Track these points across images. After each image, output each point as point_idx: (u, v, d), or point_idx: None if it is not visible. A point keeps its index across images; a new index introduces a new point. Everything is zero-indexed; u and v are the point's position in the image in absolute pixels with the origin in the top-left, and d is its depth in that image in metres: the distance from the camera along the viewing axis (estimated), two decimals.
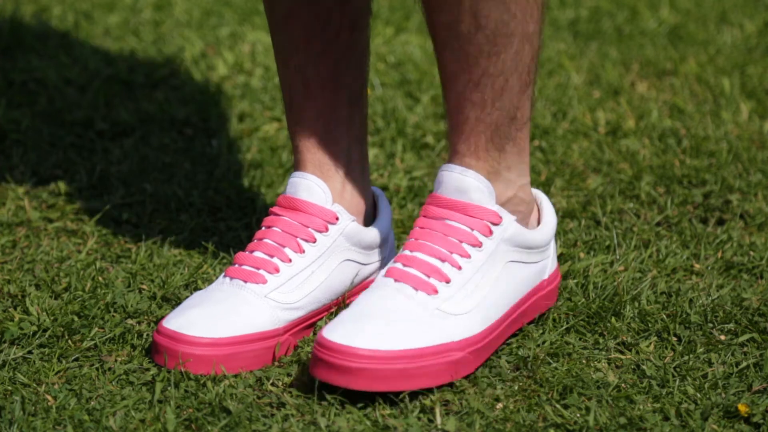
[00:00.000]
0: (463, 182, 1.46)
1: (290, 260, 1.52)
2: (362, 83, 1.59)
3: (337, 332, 1.40)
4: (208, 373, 1.44)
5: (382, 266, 1.61)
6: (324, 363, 1.39)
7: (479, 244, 1.45)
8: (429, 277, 1.44)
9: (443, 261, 1.44)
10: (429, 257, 1.45)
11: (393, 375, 1.38)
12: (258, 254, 1.52)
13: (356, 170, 1.60)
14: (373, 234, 1.58)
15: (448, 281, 1.44)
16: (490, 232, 1.46)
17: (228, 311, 1.48)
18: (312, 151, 1.58)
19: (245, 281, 1.51)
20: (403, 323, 1.40)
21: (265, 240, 1.54)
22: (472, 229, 1.45)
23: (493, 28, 1.40)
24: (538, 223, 1.56)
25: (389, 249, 1.63)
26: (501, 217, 1.46)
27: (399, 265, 1.45)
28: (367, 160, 1.62)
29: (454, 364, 1.41)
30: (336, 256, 1.55)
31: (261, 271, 1.51)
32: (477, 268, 1.45)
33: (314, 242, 1.54)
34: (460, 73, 1.43)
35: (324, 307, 1.56)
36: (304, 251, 1.53)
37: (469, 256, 1.45)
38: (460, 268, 1.44)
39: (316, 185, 1.55)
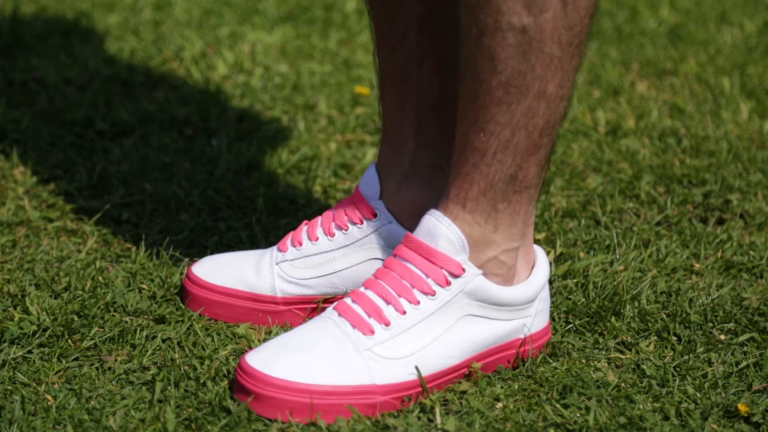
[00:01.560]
0: (436, 228, 1.41)
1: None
2: (438, 93, 1.54)
3: (257, 356, 1.39)
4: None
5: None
6: (239, 385, 1.39)
7: (432, 293, 1.41)
8: (370, 317, 1.41)
9: (388, 303, 1.41)
10: (377, 297, 1.41)
11: (300, 408, 1.37)
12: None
13: (422, 175, 1.56)
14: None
15: (387, 324, 1.40)
16: (447, 283, 1.41)
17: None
18: (385, 138, 1.58)
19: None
20: (325, 358, 1.39)
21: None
22: (428, 276, 1.41)
23: (508, 75, 1.35)
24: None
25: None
26: (464, 270, 1.41)
27: (348, 300, 1.42)
28: (442, 171, 1.55)
29: (374, 407, 1.39)
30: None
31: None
32: (424, 317, 1.41)
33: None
34: (469, 111, 1.39)
35: None
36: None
37: (417, 303, 1.41)
38: (404, 313, 1.41)
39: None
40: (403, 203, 1.56)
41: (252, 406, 1.38)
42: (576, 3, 1.39)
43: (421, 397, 1.41)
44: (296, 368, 1.38)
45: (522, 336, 1.48)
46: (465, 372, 1.45)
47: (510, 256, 1.44)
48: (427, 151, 1.56)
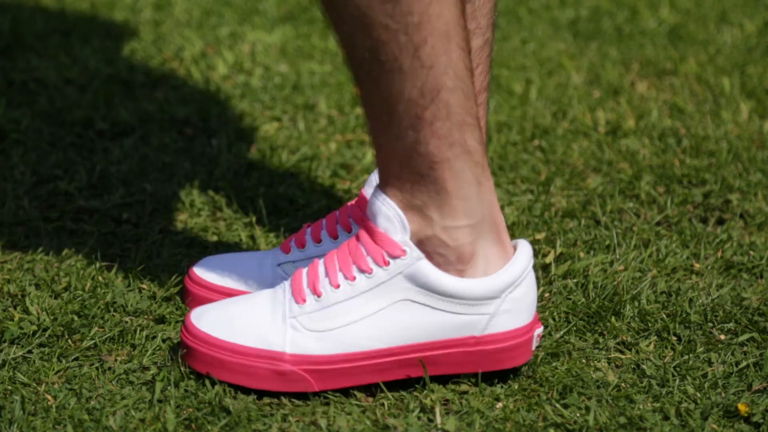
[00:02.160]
0: (373, 206, 1.40)
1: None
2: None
3: (199, 311, 1.45)
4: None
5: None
6: (181, 333, 1.45)
7: (369, 271, 1.39)
8: (307, 286, 1.41)
9: (326, 275, 1.41)
10: (321, 268, 1.42)
11: (214, 363, 1.40)
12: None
13: None
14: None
15: (318, 295, 1.40)
16: (386, 263, 1.39)
17: None
18: None
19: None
20: (251, 318, 1.41)
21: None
22: (368, 254, 1.40)
23: (360, 51, 1.34)
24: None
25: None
26: (404, 251, 1.38)
27: (304, 268, 1.44)
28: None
29: (282, 375, 1.39)
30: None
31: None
32: (356, 294, 1.40)
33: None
34: (360, 94, 1.38)
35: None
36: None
37: (353, 279, 1.40)
38: (337, 287, 1.40)
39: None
40: None
41: (184, 358, 1.43)
42: None
43: (345, 382, 1.40)
44: (221, 325, 1.41)
45: (476, 334, 1.41)
46: (405, 360, 1.41)
47: (451, 235, 1.39)
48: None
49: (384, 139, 1.37)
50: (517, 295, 1.42)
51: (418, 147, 1.36)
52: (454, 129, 1.35)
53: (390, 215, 1.39)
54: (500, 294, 1.41)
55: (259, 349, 1.40)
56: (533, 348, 1.45)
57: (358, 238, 1.41)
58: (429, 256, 1.40)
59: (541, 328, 1.46)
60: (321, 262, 1.43)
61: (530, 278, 1.43)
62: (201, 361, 1.42)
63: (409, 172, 1.37)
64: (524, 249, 1.43)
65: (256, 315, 1.42)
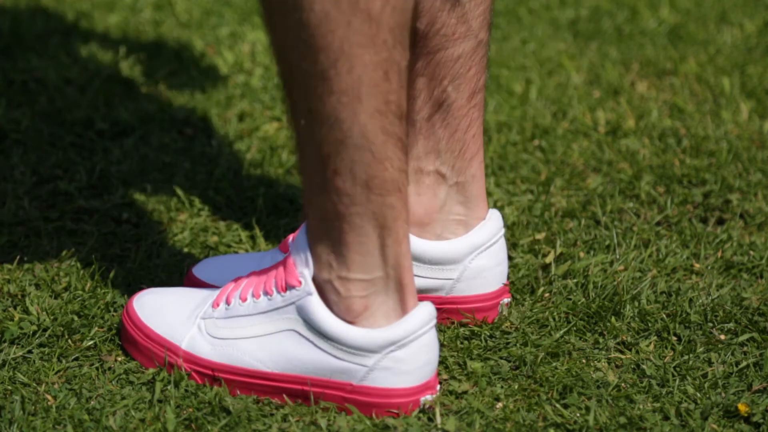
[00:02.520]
0: (297, 234, 1.42)
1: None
2: (430, 102, 1.55)
3: (148, 291, 1.53)
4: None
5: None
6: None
7: (270, 293, 1.41)
8: (225, 292, 1.46)
9: (242, 287, 1.45)
10: (247, 279, 1.46)
11: (129, 340, 1.49)
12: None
13: (424, 183, 1.57)
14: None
15: (228, 304, 1.45)
16: (283, 290, 1.40)
17: None
18: None
19: None
20: (174, 309, 1.48)
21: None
22: (275, 278, 1.42)
23: (282, 77, 1.35)
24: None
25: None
26: (300, 282, 1.39)
27: (247, 276, 1.47)
28: (444, 179, 1.56)
29: (171, 366, 1.45)
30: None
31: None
32: (256, 312, 1.42)
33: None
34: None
35: None
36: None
37: (257, 297, 1.42)
38: (244, 300, 1.43)
39: None
40: (411, 212, 1.56)
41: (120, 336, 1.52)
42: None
43: (215, 384, 1.44)
44: (149, 307, 1.49)
45: (354, 382, 1.39)
46: (283, 388, 1.42)
47: (344, 286, 1.38)
48: (430, 159, 1.56)
49: (301, 169, 1.38)
50: (401, 356, 1.38)
51: (321, 194, 1.35)
52: (358, 188, 1.33)
53: (299, 247, 1.40)
54: (380, 350, 1.38)
55: (163, 338, 1.46)
56: (425, 409, 1.41)
57: (284, 261, 1.43)
58: (324, 297, 1.39)
59: (433, 396, 1.41)
60: (254, 273, 1.47)
61: (422, 342, 1.39)
62: (123, 336, 1.51)
63: (316, 212, 1.37)
64: (422, 312, 1.39)
65: (181, 307, 1.48)
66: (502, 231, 1.58)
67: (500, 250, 1.58)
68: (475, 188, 1.57)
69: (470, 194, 1.57)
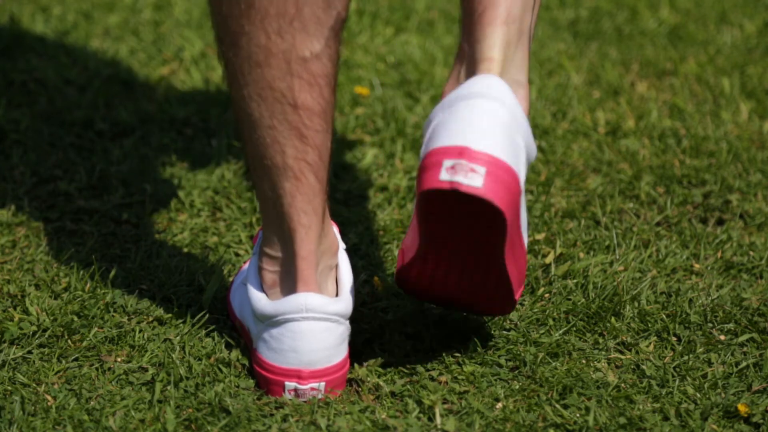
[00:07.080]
0: None
1: None
2: None
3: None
4: None
5: None
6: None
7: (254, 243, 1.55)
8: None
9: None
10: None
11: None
12: None
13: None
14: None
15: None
16: (255, 242, 1.52)
17: None
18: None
19: None
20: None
21: None
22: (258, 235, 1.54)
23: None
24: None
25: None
26: (256, 241, 1.51)
27: None
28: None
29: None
30: None
31: None
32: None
33: None
34: None
35: None
36: None
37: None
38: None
39: None
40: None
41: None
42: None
43: None
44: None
45: (252, 345, 1.51)
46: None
47: (263, 258, 1.47)
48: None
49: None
50: (273, 332, 1.45)
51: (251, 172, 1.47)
52: (258, 170, 1.42)
53: None
54: (263, 320, 1.45)
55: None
56: (293, 397, 1.45)
57: None
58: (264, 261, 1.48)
59: (298, 386, 1.45)
60: None
61: (288, 328, 1.44)
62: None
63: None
64: (296, 300, 1.44)
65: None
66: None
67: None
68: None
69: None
